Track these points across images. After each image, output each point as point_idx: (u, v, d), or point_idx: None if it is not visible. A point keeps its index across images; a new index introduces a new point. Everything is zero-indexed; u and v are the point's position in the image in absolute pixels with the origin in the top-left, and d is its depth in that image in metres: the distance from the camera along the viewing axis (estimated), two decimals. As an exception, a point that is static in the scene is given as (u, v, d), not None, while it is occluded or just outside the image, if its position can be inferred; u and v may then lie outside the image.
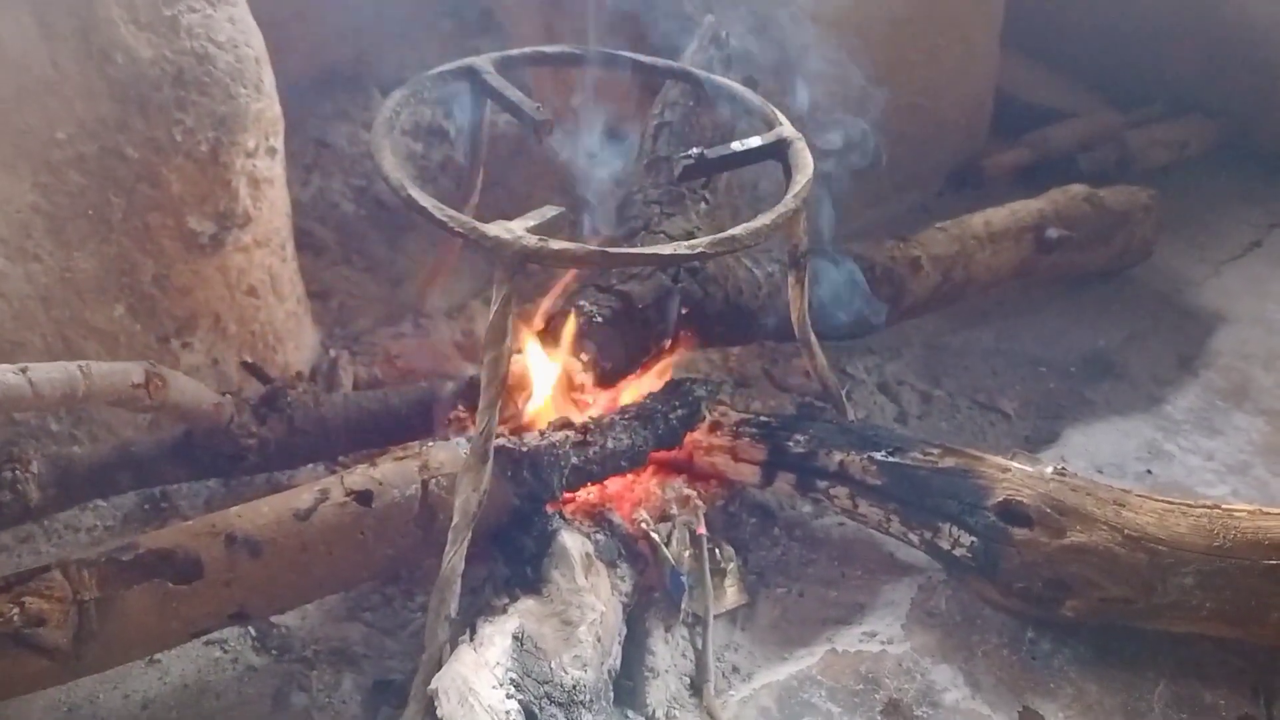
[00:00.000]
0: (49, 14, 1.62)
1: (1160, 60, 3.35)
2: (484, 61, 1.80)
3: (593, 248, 1.46)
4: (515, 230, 1.43)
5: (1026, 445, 2.14)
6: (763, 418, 1.90)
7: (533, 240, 1.42)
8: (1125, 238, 2.57)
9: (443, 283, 2.23)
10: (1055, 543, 1.62)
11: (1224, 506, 1.64)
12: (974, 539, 1.67)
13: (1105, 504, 1.64)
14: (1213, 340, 2.52)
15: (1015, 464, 1.72)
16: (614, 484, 1.79)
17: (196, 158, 1.76)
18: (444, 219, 1.45)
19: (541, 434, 1.67)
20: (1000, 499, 1.65)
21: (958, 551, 1.69)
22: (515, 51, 1.86)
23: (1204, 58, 3.28)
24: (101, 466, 1.67)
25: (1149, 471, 2.10)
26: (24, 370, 1.31)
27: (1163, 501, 1.66)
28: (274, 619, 1.63)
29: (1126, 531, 1.60)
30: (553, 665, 1.37)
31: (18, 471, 1.59)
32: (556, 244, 1.42)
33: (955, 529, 1.69)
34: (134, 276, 1.77)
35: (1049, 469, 1.71)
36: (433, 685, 1.33)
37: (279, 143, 1.92)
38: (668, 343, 1.90)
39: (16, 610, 1.32)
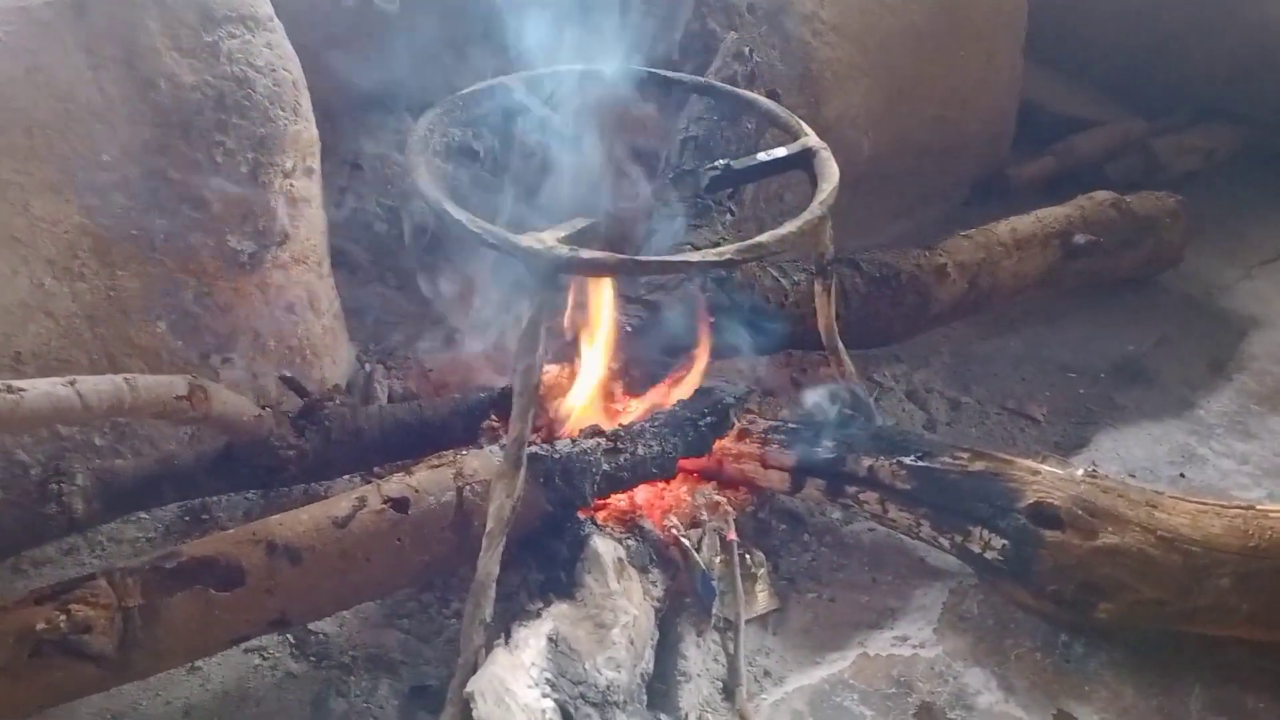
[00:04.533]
0: (95, 43, 1.68)
1: (1185, 67, 3.35)
2: (513, 80, 1.84)
3: (623, 256, 1.49)
4: (547, 241, 1.47)
5: (1057, 451, 2.14)
6: (791, 424, 1.91)
7: (564, 250, 1.45)
8: (1153, 244, 2.57)
9: (474, 297, 2.27)
10: (1087, 545, 1.61)
11: (1258, 507, 1.64)
12: (1005, 542, 1.67)
13: (1137, 505, 1.64)
14: (1245, 344, 2.51)
15: (1045, 467, 1.72)
16: (644, 491, 1.81)
17: (236, 179, 1.81)
18: (478, 231, 1.48)
19: (573, 441, 1.70)
20: (1031, 501, 1.66)
21: (989, 555, 1.69)
22: (543, 70, 1.90)
23: (1228, 64, 3.28)
24: (144, 479, 1.71)
25: (1182, 475, 2.10)
26: (72, 383, 1.35)
27: (1196, 503, 1.65)
28: (312, 626, 1.66)
29: (1159, 533, 1.60)
30: (587, 666, 1.39)
31: (64, 485, 1.64)
32: (587, 253, 1.45)
33: (986, 532, 1.69)
34: (176, 295, 1.82)
35: (1079, 471, 1.72)
36: (469, 687, 1.35)
37: (316, 163, 1.97)
38: (696, 351, 1.93)
39: (64, 618, 1.36)
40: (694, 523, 1.78)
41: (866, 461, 1.79)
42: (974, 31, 2.90)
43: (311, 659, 1.64)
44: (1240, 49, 3.25)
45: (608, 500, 1.75)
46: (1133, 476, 2.04)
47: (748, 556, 1.77)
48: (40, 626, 1.33)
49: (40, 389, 1.30)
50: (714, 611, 1.67)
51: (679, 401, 1.86)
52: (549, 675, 1.34)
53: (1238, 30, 3.23)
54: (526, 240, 1.48)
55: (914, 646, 1.67)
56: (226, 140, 1.80)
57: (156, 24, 1.73)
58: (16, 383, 1.28)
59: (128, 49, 1.70)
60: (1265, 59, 3.21)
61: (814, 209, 1.63)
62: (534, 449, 1.62)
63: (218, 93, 1.78)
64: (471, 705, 1.32)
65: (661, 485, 1.84)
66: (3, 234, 1.64)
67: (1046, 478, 1.68)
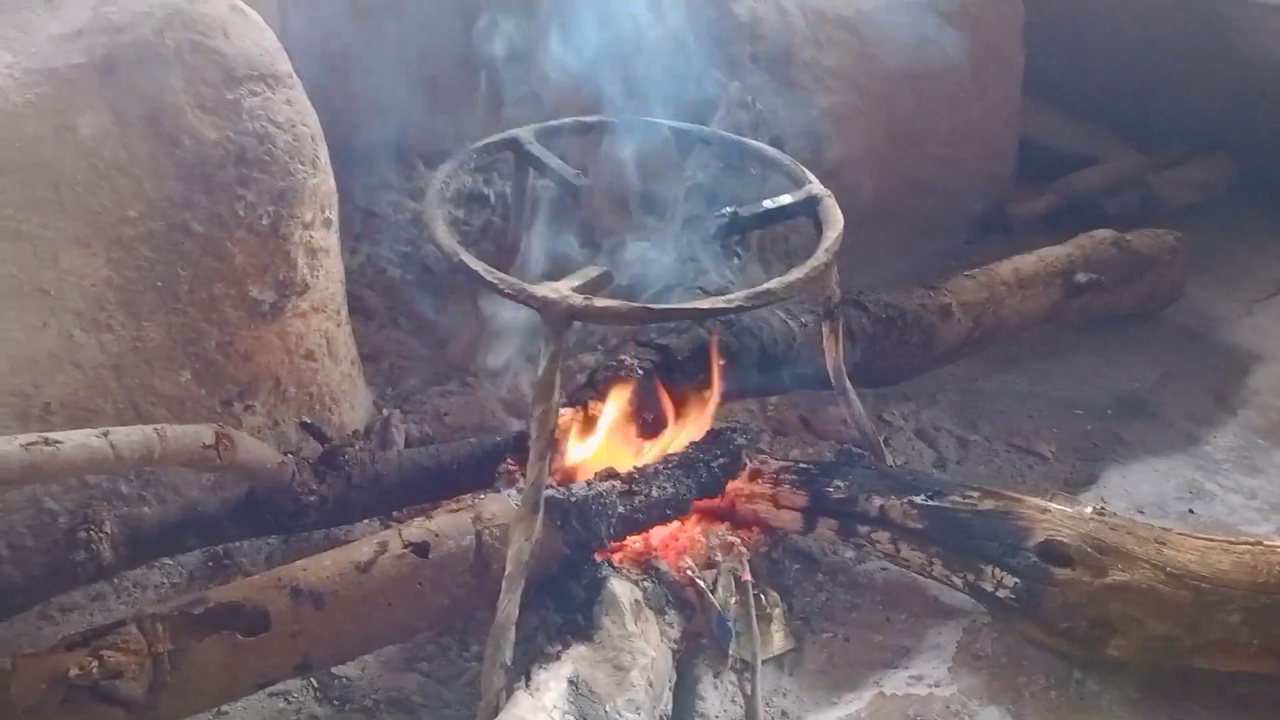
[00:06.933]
0: (122, 103, 1.73)
1: (1182, 102, 3.39)
2: (526, 133, 1.90)
3: (635, 304, 1.53)
4: (561, 290, 1.51)
5: (1066, 488, 2.16)
6: (803, 465, 1.94)
7: (578, 299, 1.49)
8: (1153, 280, 2.60)
9: (488, 342, 2.31)
10: (1097, 582, 1.63)
11: (1266, 543, 1.66)
12: (1016, 580, 1.69)
13: (1146, 542, 1.66)
14: (1249, 379, 2.53)
15: (1054, 505, 1.75)
16: (659, 532, 1.84)
17: (258, 231, 1.86)
18: (494, 281, 1.53)
19: (589, 484, 1.73)
20: (1041, 539, 1.68)
21: (1001, 593, 1.71)
22: (555, 122, 1.95)
23: (1224, 98, 3.33)
24: (170, 526, 1.74)
25: (1191, 511, 2.11)
26: (106, 434, 1.39)
27: (1203, 539, 1.67)
28: (335, 670, 1.68)
29: (1169, 569, 1.62)
30: (607, 708, 1.41)
31: (92, 532, 1.66)
32: (601, 301, 1.49)
33: (997, 570, 1.71)
34: (199, 344, 1.86)
35: (1088, 509, 1.74)
36: (491, 730, 1.38)
37: (334, 214, 2.02)
38: (707, 393, 1.96)
39: (95, 663, 1.38)
40: (709, 564, 1.80)
41: (878, 501, 1.81)
42: (971, 71, 2.96)
43: (334, 703, 1.66)
44: (1236, 83, 3.30)
45: (624, 542, 1.78)
46: (1142, 512, 2.06)
47: (763, 597, 1.79)
48: (73, 672, 1.35)
49: (75, 440, 1.34)
50: (730, 652, 1.69)
51: (691, 443, 1.89)
52: (570, 717, 1.36)
53: (1233, 65, 3.28)
54: (541, 289, 1.52)
55: (929, 685, 1.68)
56: (248, 194, 1.85)
57: (181, 83, 1.78)
58: (53, 435, 1.32)
59: (153, 107, 1.76)
60: (1261, 93, 3.26)
61: (820, 255, 1.67)
62: (551, 492, 1.65)
63: (239, 148, 1.83)
64: (494, 748, 1.35)
65: (676, 526, 1.87)
66: (32, 287, 1.68)
67: (1056, 516, 1.71)
